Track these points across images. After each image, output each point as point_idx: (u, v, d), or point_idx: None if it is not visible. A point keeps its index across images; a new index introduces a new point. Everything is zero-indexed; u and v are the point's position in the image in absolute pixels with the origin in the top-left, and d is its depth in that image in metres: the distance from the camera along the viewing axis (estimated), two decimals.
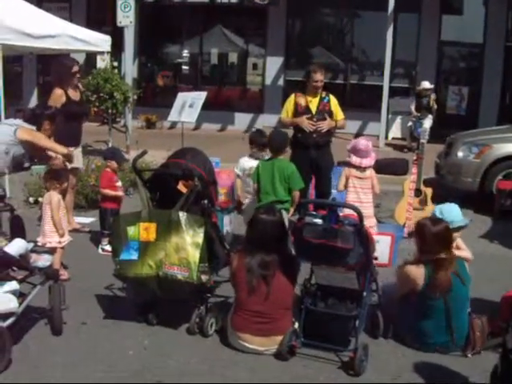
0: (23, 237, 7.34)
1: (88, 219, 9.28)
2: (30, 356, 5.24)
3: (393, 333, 5.68)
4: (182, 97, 11.95)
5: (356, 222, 5.17)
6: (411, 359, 5.36)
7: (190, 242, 5.46)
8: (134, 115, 17.83)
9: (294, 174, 7.19)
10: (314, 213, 5.49)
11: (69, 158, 7.15)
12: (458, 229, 5.91)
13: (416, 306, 5.50)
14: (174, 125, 17.88)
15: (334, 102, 8.71)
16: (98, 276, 6.80)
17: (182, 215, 5.52)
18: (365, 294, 5.31)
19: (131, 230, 5.63)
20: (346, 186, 7.72)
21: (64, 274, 6.91)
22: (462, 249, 5.99)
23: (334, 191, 8.85)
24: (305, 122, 8.48)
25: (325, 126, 8.50)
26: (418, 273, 5.45)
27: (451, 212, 5.91)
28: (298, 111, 8.63)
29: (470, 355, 5.40)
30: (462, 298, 5.48)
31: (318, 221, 5.22)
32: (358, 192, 7.63)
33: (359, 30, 19.18)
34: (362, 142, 7.68)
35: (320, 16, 19.99)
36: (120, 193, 8.04)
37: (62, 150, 6.94)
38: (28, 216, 8.28)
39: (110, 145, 13.94)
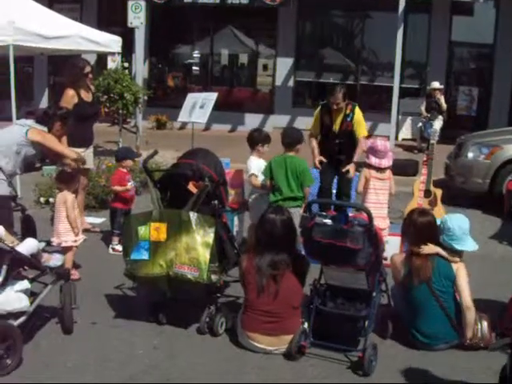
0: (34, 236, 7.41)
1: (99, 219, 9.33)
2: (40, 355, 5.29)
3: (401, 333, 5.69)
4: (192, 97, 11.94)
5: (366, 222, 5.18)
6: (419, 359, 5.37)
7: (200, 241, 5.50)
8: (145, 116, 17.93)
9: (306, 171, 7.31)
10: (324, 213, 5.50)
11: (78, 161, 7.16)
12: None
13: (408, 302, 5.57)
14: (184, 125, 17.93)
15: (357, 119, 8.58)
16: (109, 276, 6.84)
17: (193, 215, 5.55)
18: (374, 294, 5.33)
19: (142, 230, 5.67)
20: (365, 187, 7.67)
21: (75, 274, 6.96)
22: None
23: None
24: (316, 163, 8.63)
25: (351, 171, 8.52)
26: (398, 260, 5.64)
27: (462, 227, 5.79)
28: (323, 128, 8.69)
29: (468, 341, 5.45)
30: (447, 291, 5.52)
31: (328, 221, 5.24)
32: (377, 193, 7.59)
33: (369, 31, 19.18)
34: (381, 143, 7.63)
35: (330, 17, 19.98)
36: (129, 188, 8.03)
37: (71, 154, 6.95)
38: (39, 216, 8.32)
39: (121, 145, 13.99)
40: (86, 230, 8.72)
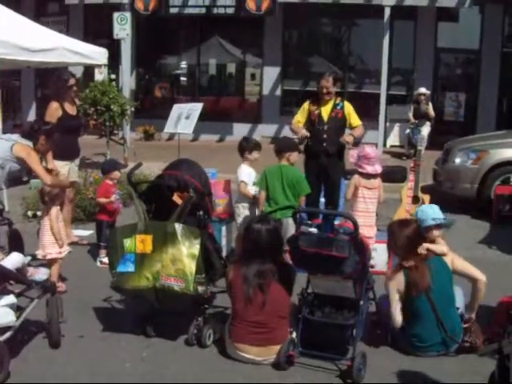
0: (21, 250, 7.37)
1: (86, 232, 9.29)
2: (28, 369, 5.24)
3: (391, 340, 5.68)
4: (177, 108, 11.94)
5: (351, 230, 5.17)
6: (409, 366, 5.34)
7: (186, 253, 5.47)
8: (133, 127, 17.90)
9: (302, 180, 7.40)
10: (310, 222, 5.48)
11: (53, 186, 7.06)
12: (439, 226, 5.86)
13: (406, 312, 5.52)
14: (172, 136, 17.90)
15: (347, 108, 8.64)
16: (96, 288, 6.80)
17: (178, 227, 5.53)
18: (362, 302, 5.31)
19: (127, 242, 5.64)
20: (354, 196, 7.61)
21: (61, 287, 6.92)
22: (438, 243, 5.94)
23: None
24: (301, 132, 8.55)
25: (349, 139, 8.49)
26: (398, 282, 5.51)
27: (428, 210, 5.88)
28: (311, 119, 8.64)
29: (467, 344, 5.43)
30: (446, 294, 5.51)
31: (313, 230, 5.23)
32: (366, 202, 7.54)
33: (356, 39, 19.24)
34: (371, 150, 7.60)
35: (316, 25, 20.01)
36: (113, 200, 7.97)
37: (47, 179, 6.82)
38: (26, 230, 8.29)
39: (108, 157, 13.96)
40: (73, 243, 8.69)
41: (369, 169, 7.48)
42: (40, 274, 5.79)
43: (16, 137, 6.86)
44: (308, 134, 8.52)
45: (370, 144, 15.33)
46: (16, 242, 7.64)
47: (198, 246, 5.49)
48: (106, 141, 14.77)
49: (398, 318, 5.54)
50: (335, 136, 8.51)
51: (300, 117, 8.79)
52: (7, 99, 19.31)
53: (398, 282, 5.50)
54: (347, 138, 8.51)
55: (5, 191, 10.44)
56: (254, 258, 5.35)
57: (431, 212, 5.87)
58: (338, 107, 8.61)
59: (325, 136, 8.51)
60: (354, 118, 8.69)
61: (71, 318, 6.02)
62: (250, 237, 5.45)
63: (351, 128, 8.75)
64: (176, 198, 5.69)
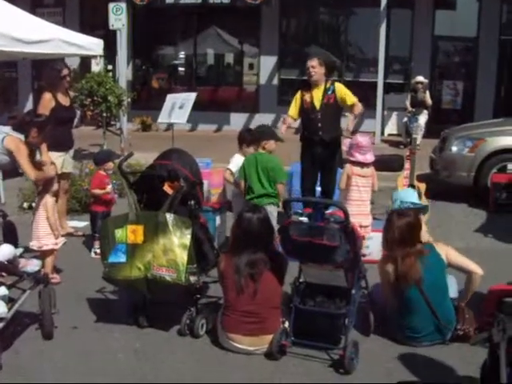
0: (15, 242, 7.37)
1: (82, 223, 9.26)
2: (20, 361, 5.24)
3: (384, 330, 5.66)
4: (171, 98, 11.90)
5: (342, 219, 5.15)
6: (402, 356, 5.33)
7: (177, 243, 5.45)
8: (130, 118, 17.85)
9: (277, 166, 7.27)
10: (300, 211, 5.46)
11: (38, 181, 7.04)
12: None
13: (398, 302, 5.52)
14: (169, 127, 17.83)
15: (339, 90, 8.47)
16: (91, 279, 6.77)
17: (169, 216, 5.51)
18: (353, 291, 5.29)
19: (119, 233, 5.63)
20: (347, 185, 7.56)
21: (56, 278, 6.93)
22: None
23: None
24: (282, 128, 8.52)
25: (350, 129, 8.45)
26: (389, 271, 5.50)
27: (401, 193, 5.92)
28: (304, 108, 8.56)
29: (460, 332, 5.43)
30: (438, 284, 5.48)
31: (304, 219, 5.22)
32: (360, 191, 7.50)
33: (353, 27, 19.20)
34: (363, 139, 7.53)
35: (313, 14, 19.94)
36: (109, 191, 7.97)
37: (32, 174, 6.79)
38: (22, 221, 8.21)
39: (105, 148, 13.93)
40: (68, 234, 8.68)
41: (359, 157, 7.45)
42: (32, 266, 5.79)
43: (7, 129, 6.83)
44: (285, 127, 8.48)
45: (367, 133, 15.39)
46: (10, 234, 7.62)
47: (189, 236, 5.47)
48: (102, 132, 14.72)
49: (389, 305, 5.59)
50: (330, 123, 8.44)
51: (294, 109, 8.70)
52: (3, 91, 19.36)
53: (387, 272, 5.50)
54: (348, 126, 8.43)
55: (1, 183, 10.48)
56: (246, 248, 5.33)
57: (403, 195, 5.90)
58: (329, 92, 8.46)
59: (319, 125, 8.43)
60: (348, 97, 8.47)
61: (65, 309, 5.99)
62: (240, 226, 5.43)
63: (349, 108, 8.59)
64: (167, 188, 5.68)
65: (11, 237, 7.52)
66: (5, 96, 19.55)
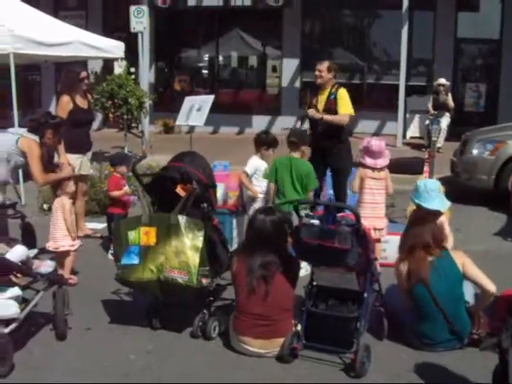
0: (34, 244, 7.44)
1: (100, 225, 9.29)
2: (33, 361, 5.27)
3: (397, 333, 5.62)
4: (189, 100, 11.89)
5: (353, 222, 5.12)
6: (415, 360, 5.29)
7: (189, 245, 5.46)
8: (152, 120, 17.92)
9: (312, 173, 7.36)
10: (311, 213, 5.44)
11: (42, 185, 7.08)
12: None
13: (413, 306, 5.48)
14: (191, 129, 17.91)
15: (340, 97, 8.43)
16: (106, 281, 6.77)
17: (182, 219, 5.52)
18: (366, 294, 5.25)
19: (132, 235, 5.64)
20: (361, 187, 7.49)
21: (73, 279, 6.99)
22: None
23: (331, 191, 8.87)
24: (311, 112, 8.50)
25: (313, 114, 8.44)
26: (403, 270, 5.50)
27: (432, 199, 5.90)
28: (311, 109, 8.57)
29: (475, 336, 5.36)
30: (454, 294, 5.40)
31: (315, 221, 5.19)
32: (373, 193, 7.41)
33: (375, 29, 19.14)
34: (375, 143, 7.38)
35: (335, 16, 19.87)
36: (128, 191, 7.98)
37: (39, 178, 6.87)
38: (42, 223, 8.29)
39: (126, 150, 13.99)
40: (87, 236, 8.76)
41: (368, 161, 7.37)
42: (46, 267, 5.83)
43: (23, 131, 6.89)
44: (307, 113, 8.51)
45: (389, 136, 15.35)
46: (28, 235, 7.70)
47: (201, 239, 5.47)
48: (124, 134, 14.78)
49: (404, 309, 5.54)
50: (331, 128, 8.40)
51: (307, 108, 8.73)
52: (27, 94, 19.51)
53: (402, 272, 5.49)
54: (312, 112, 8.44)
55: (22, 184, 10.56)
56: (258, 249, 5.31)
57: (424, 191, 5.90)
58: (332, 97, 8.47)
59: (320, 129, 8.43)
60: (341, 106, 8.43)
61: (80, 310, 6.05)
62: (253, 227, 5.41)
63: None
64: (179, 190, 5.68)
65: (29, 238, 7.61)
66: (28, 98, 19.71)
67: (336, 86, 8.56)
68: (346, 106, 8.48)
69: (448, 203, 6.16)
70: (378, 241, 7.27)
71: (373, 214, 7.21)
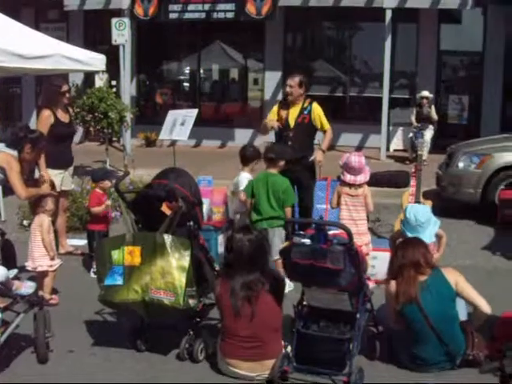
0: (13, 261, 7.27)
1: (82, 241, 9.08)
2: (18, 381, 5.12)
3: (390, 354, 5.48)
4: (172, 114, 11.77)
5: (346, 240, 4.98)
6: (408, 381, 5.15)
7: (175, 265, 5.30)
8: (134, 133, 17.74)
9: (289, 189, 7.23)
10: (302, 232, 5.29)
11: (27, 198, 6.91)
12: None
13: (404, 327, 5.34)
14: (174, 142, 17.76)
15: (316, 112, 8.39)
16: (89, 301, 6.58)
17: (167, 238, 5.36)
18: (358, 315, 5.10)
19: (115, 254, 5.47)
20: (338, 204, 7.47)
21: (55, 299, 6.82)
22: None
23: (319, 206, 8.74)
24: (271, 123, 8.40)
25: (320, 158, 8.40)
26: (391, 291, 5.36)
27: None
28: (279, 122, 8.44)
29: (470, 357, 5.19)
30: (447, 314, 5.25)
31: (306, 241, 5.03)
32: (350, 210, 7.37)
33: (358, 42, 19.05)
34: (354, 159, 7.31)
35: (317, 29, 19.80)
36: (109, 204, 7.83)
37: (22, 193, 6.72)
38: (22, 239, 8.14)
39: (108, 164, 13.83)
40: (68, 253, 8.57)
41: (347, 178, 7.34)
42: (26, 288, 5.67)
43: (1, 146, 6.70)
44: (276, 125, 8.34)
45: (372, 149, 15.27)
46: (8, 253, 7.51)
47: (188, 258, 5.32)
48: (105, 148, 14.60)
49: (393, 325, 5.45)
50: (301, 142, 8.31)
51: (270, 119, 8.61)
52: (7, 107, 19.28)
53: (391, 292, 5.35)
54: (318, 157, 8.40)
55: (1, 200, 10.35)
56: (239, 270, 5.15)
57: (416, 225, 5.87)
58: (305, 112, 8.37)
59: (289, 143, 8.25)
60: (323, 121, 8.45)
61: (62, 332, 5.86)
62: (232, 247, 5.25)
63: (322, 131, 8.59)
64: (164, 209, 5.53)
65: (9, 256, 7.44)
66: (8, 112, 19.47)
67: (308, 100, 8.47)
68: (325, 121, 8.49)
69: (437, 226, 6.18)
70: (366, 254, 7.19)
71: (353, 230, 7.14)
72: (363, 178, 7.36)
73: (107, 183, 7.78)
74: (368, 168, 7.50)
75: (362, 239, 7.22)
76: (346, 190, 7.35)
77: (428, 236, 5.98)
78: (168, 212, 5.53)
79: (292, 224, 7.63)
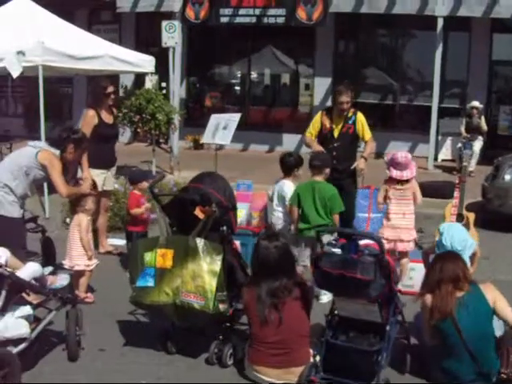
0: (53, 258, 7.38)
1: (123, 241, 9.15)
2: (41, 381, 5.16)
3: (421, 368, 5.38)
4: (215, 118, 11.80)
5: (377, 251, 4.92)
6: None
7: (206, 269, 5.31)
8: (182, 136, 17.84)
9: (336, 196, 7.18)
10: (334, 242, 5.24)
11: (70, 196, 6.97)
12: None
13: (438, 342, 5.19)
14: (221, 146, 17.80)
15: (360, 122, 8.35)
16: (123, 300, 6.58)
17: (200, 242, 5.36)
18: (388, 327, 5.03)
19: (148, 256, 5.50)
20: (386, 198, 7.37)
21: (90, 297, 6.89)
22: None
23: (361, 214, 8.65)
24: (315, 148, 8.26)
25: (362, 166, 8.31)
26: (427, 304, 5.22)
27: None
28: (323, 132, 8.40)
29: (504, 376, 5.04)
30: (483, 332, 5.09)
31: (337, 250, 4.99)
32: (400, 204, 7.28)
33: (408, 50, 18.83)
34: (401, 154, 7.26)
35: (368, 35, 19.64)
36: (148, 207, 7.78)
37: (63, 191, 6.70)
38: (64, 237, 8.18)
39: (154, 165, 13.91)
40: (108, 253, 8.65)
41: (394, 173, 7.24)
42: (61, 280, 5.75)
43: (43, 144, 6.79)
44: (322, 151, 8.14)
45: (420, 158, 15.06)
46: (48, 250, 7.63)
47: (219, 263, 5.32)
48: (152, 149, 14.70)
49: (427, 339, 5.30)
50: (345, 153, 8.28)
51: (312, 129, 8.53)
52: (58, 106, 19.61)
53: (426, 306, 5.22)
54: (360, 165, 8.30)
55: (46, 197, 10.51)
56: (266, 277, 5.14)
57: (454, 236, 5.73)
58: (350, 122, 8.33)
59: (334, 153, 8.18)
60: (366, 132, 8.41)
61: (95, 330, 5.93)
62: (257, 254, 5.24)
63: (363, 141, 8.54)
64: (198, 213, 5.53)
65: (49, 253, 7.56)
66: (59, 111, 19.79)
67: (352, 109, 8.41)
68: (368, 131, 8.44)
69: (472, 248, 6.07)
70: (405, 254, 7.16)
71: (399, 224, 7.14)
72: (409, 173, 7.25)
73: (144, 184, 7.76)
74: (414, 164, 7.39)
75: (411, 234, 7.21)
76: (394, 185, 7.28)
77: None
78: (201, 216, 5.53)
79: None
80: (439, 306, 5.10)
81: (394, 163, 7.28)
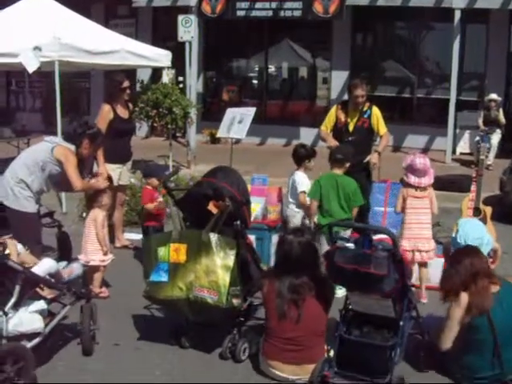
0: (69, 253, 7.40)
1: (139, 236, 9.16)
2: (56, 375, 5.19)
3: (438, 364, 5.33)
4: (230, 112, 11.78)
5: (390, 246, 4.88)
6: None
7: (220, 264, 5.30)
8: (199, 129, 17.84)
9: (358, 190, 7.19)
10: (347, 236, 5.21)
11: (85, 190, 7.02)
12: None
13: (461, 338, 5.09)
14: (238, 140, 17.79)
15: (375, 116, 8.31)
16: (139, 295, 6.60)
17: (213, 236, 5.36)
18: (402, 323, 5.00)
19: (161, 251, 5.51)
20: (404, 207, 7.19)
21: (104, 292, 6.90)
22: None
23: (377, 208, 8.60)
24: (332, 144, 8.20)
25: (375, 160, 8.27)
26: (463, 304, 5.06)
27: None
28: (338, 126, 8.37)
29: None
30: (510, 325, 5.01)
31: (350, 245, 4.96)
32: (418, 213, 7.10)
33: (426, 43, 18.67)
34: (420, 161, 7.08)
35: (385, 28, 19.56)
36: (162, 201, 7.75)
37: (78, 184, 6.71)
38: (80, 232, 8.20)
39: (170, 159, 13.91)
40: (124, 247, 8.67)
41: (412, 180, 7.08)
42: (76, 270, 5.78)
43: (59, 139, 6.82)
44: (337, 145, 8.10)
45: (438, 151, 14.95)
46: (64, 245, 7.66)
47: (232, 258, 5.31)
48: (169, 143, 14.72)
49: (447, 343, 5.16)
50: (360, 147, 8.15)
51: (327, 123, 8.51)
52: (75, 101, 19.68)
53: (461, 303, 5.06)
54: (373, 159, 8.26)
55: (64, 193, 10.56)
56: (288, 272, 5.12)
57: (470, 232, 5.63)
58: (365, 115, 8.30)
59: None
60: (381, 126, 8.37)
61: (110, 325, 5.97)
62: (282, 249, 5.23)
63: (378, 135, 8.51)
64: (211, 207, 5.52)
65: (65, 248, 7.59)
66: (76, 106, 19.87)
67: (368, 103, 8.37)
68: (383, 126, 8.40)
69: (490, 246, 5.94)
70: (424, 265, 7.04)
71: (418, 234, 6.97)
72: (428, 180, 7.12)
73: (153, 181, 7.73)
74: (432, 171, 7.28)
75: (431, 244, 7.07)
76: (412, 193, 7.10)
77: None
78: (215, 211, 5.52)
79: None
80: (477, 303, 4.98)
81: (412, 169, 7.13)
